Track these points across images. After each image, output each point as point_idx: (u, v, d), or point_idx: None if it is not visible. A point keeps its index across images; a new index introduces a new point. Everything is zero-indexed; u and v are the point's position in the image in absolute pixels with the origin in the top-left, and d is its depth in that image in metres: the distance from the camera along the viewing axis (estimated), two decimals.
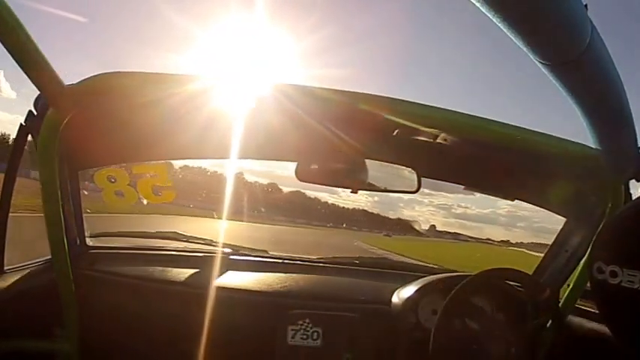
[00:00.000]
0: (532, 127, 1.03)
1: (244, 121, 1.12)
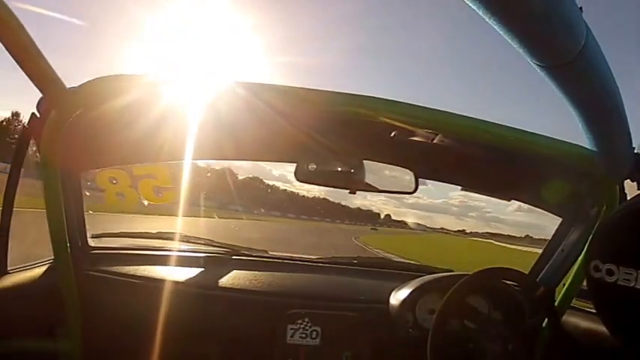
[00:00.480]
0: (527, 128, 1.04)
1: (244, 123, 1.12)
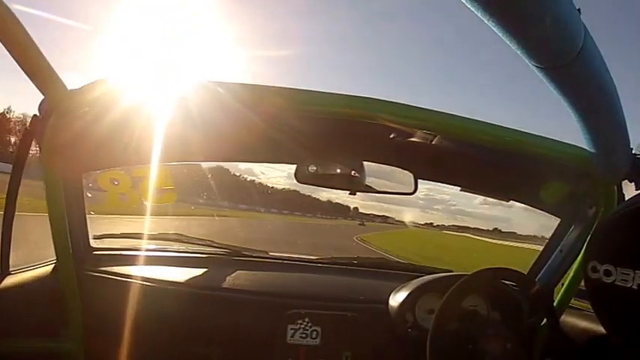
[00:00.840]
0: (524, 128, 1.04)
1: (244, 125, 1.12)
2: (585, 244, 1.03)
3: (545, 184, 1.24)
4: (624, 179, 0.98)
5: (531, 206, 1.39)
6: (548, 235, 1.37)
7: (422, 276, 1.24)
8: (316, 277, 1.37)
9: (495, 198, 1.43)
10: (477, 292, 1.17)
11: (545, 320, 1.17)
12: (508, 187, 1.38)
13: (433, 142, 1.10)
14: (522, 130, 0.96)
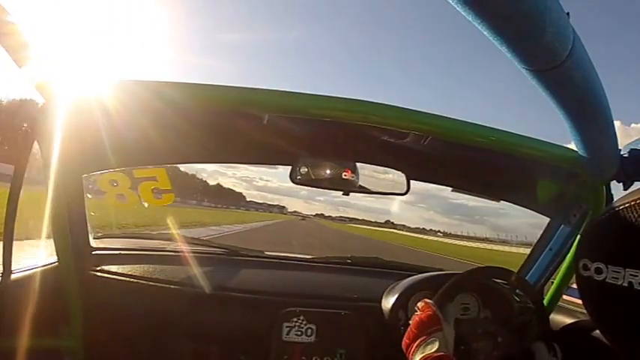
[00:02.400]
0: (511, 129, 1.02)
1: (242, 127, 1.10)
2: (576, 243, 1.02)
3: (535, 185, 1.24)
4: (612, 180, 0.97)
5: (522, 206, 1.38)
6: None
7: (414, 275, 1.23)
8: (311, 276, 1.36)
9: (486, 198, 1.41)
10: (468, 291, 1.16)
11: (535, 318, 1.15)
12: (499, 188, 1.37)
13: (425, 144, 1.09)
14: (513, 131, 0.95)
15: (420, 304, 0.92)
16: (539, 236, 1.37)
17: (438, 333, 0.84)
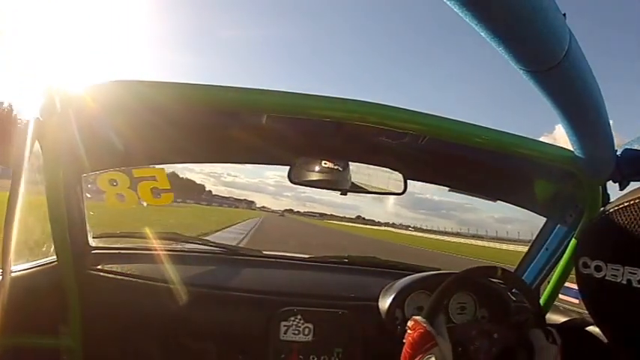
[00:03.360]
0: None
1: (241, 127, 1.10)
2: (574, 242, 1.02)
3: (532, 185, 1.23)
4: (609, 180, 0.97)
5: (518, 205, 1.37)
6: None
7: (411, 274, 1.22)
8: (308, 275, 1.35)
9: (483, 198, 1.41)
10: (465, 290, 1.15)
11: (531, 317, 1.15)
12: (495, 187, 1.37)
13: (422, 144, 1.09)
14: (510, 132, 0.95)
15: (409, 323, 0.90)
16: (534, 236, 1.36)
17: (434, 349, 0.83)
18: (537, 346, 0.96)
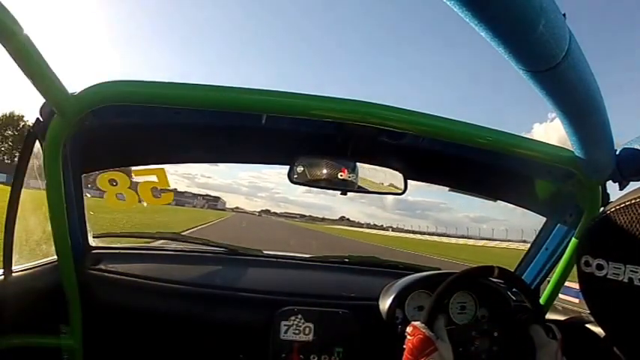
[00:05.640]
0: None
1: (241, 127, 1.10)
2: (575, 241, 1.01)
3: (532, 185, 1.23)
4: (608, 180, 0.97)
5: (518, 205, 1.37)
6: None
7: (411, 274, 1.22)
8: (309, 274, 1.35)
9: (483, 198, 1.41)
10: (465, 290, 1.15)
11: (532, 317, 1.15)
12: (496, 187, 1.36)
13: (422, 144, 1.09)
14: (510, 132, 0.95)
15: (408, 329, 0.89)
16: (534, 236, 1.36)
17: (434, 354, 0.82)
18: (538, 343, 0.96)
